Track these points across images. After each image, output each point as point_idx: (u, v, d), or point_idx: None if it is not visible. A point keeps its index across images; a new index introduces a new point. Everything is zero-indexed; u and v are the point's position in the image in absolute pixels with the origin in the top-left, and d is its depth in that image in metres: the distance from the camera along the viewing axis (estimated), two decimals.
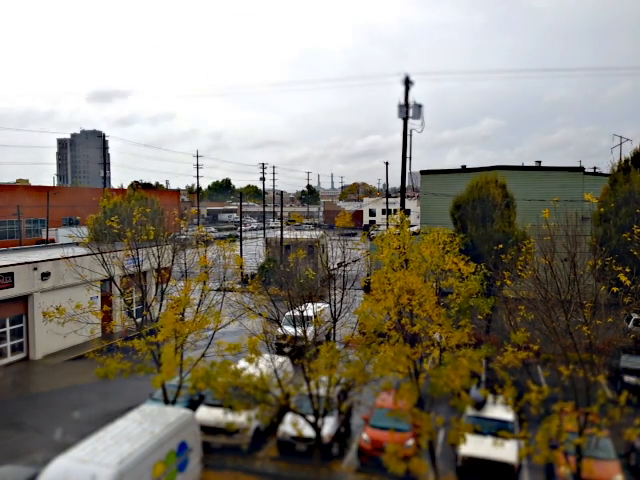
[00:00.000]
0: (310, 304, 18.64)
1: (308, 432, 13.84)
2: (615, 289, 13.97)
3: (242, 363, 13.09)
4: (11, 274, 24.59)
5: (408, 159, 26.95)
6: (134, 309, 22.48)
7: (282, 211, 55.89)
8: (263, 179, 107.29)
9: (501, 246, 21.44)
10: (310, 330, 16.35)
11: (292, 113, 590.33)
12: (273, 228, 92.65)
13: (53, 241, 57.17)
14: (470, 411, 15.72)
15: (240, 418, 13.49)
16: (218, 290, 18.55)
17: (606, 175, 37.62)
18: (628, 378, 20.66)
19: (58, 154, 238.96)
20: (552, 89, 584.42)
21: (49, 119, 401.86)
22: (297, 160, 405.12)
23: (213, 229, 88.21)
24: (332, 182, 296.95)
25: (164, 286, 18.00)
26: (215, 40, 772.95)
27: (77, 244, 25.50)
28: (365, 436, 15.74)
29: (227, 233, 78.31)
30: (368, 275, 21.24)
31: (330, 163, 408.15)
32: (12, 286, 24.63)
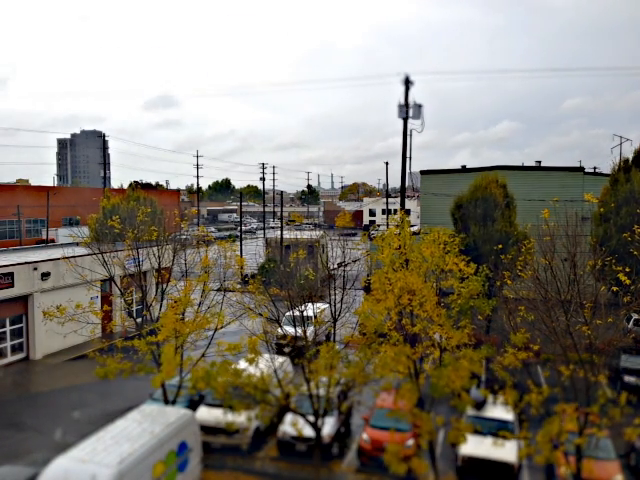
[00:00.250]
0: (310, 304, 18.65)
1: (308, 432, 13.84)
2: (615, 289, 13.98)
3: (242, 363, 13.09)
4: (11, 274, 24.59)
5: (408, 159, 26.95)
6: (134, 309, 22.49)
7: (282, 211, 55.90)
8: (263, 179, 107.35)
9: (501, 246, 21.45)
10: (310, 330, 16.36)
11: (313, 113, 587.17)
12: (273, 228, 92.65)
13: (53, 241, 57.18)
14: (470, 411, 15.72)
15: (240, 418, 13.48)
16: (218, 290, 18.55)
17: (606, 175, 37.61)
18: (628, 378, 20.66)
19: (58, 154, 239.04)
20: (569, 89, 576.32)
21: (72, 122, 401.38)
22: (312, 161, 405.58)
23: (213, 229, 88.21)
24: (332, 182, 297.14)
25: (164, 286, 18.00)
26: (223, 42, 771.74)
27: (77, 244, 25.50)
28: (365, 436, 15.74)
29: (227, 233, 78.33)
30: (368, 275, 21.24)
31: (345, 164, 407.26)
32: (12, 286, 24.63)
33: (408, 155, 26.77)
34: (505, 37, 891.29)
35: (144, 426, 12.68)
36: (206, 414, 16.62)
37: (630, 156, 32.03)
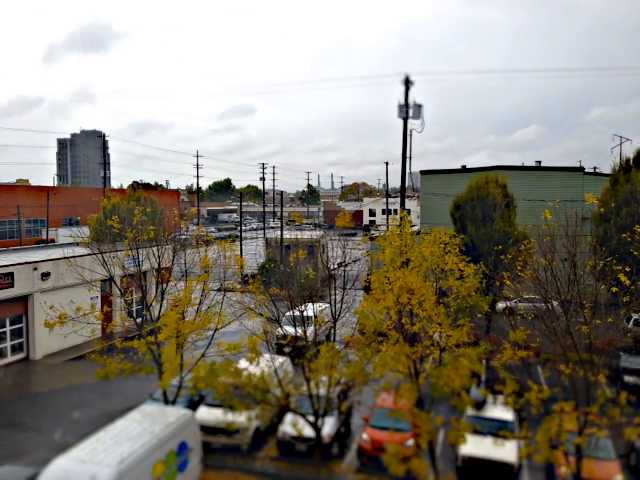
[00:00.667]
0: (310, 304, 18.64)
1: (308, 432, 13.84)
2: (615, 289, 13.97)
3: (242, 363, 13.10)
4: (11, 274, 24.59)
5: (408, 159, 26.93)
6: (134, 309, 22.48)
7: (282, 211, 55.90)
8: (263, 179, 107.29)
9: (501, 247, 21.44)
10: (310, 330, 16.35)
11: (341, 112, 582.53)
12: (273, 228, 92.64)
13: (53, 241, 57.19)
14: (470, 411, 15.72)
15: (240, 418, 13.49)
16: (218, 290, 18.55)
17: (606, 175, 37.60)
18: (628, 378, 20.66)
19: (58, 154, 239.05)
20: (593, 91, 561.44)
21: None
22: (336, 162, 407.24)
23: (213, 229, 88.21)
24: (332, 182, 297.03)
25: (164, 286, 17.99)
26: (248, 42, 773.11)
27: (77, 244, 25.50)
28: (365, 436, 15.74)
29: (227, 233, 78.35)
30: (368, 275, 21.23)
31: (366, 164, 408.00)
32: (12, 286, 24.63)
33: (408, 155, 26.75)
34: (530, 37, 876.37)
35: (144, 426, 12.68)
36: (206, 414, 16.61)
37: (631, 156, 32.04)
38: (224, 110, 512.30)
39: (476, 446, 14.46)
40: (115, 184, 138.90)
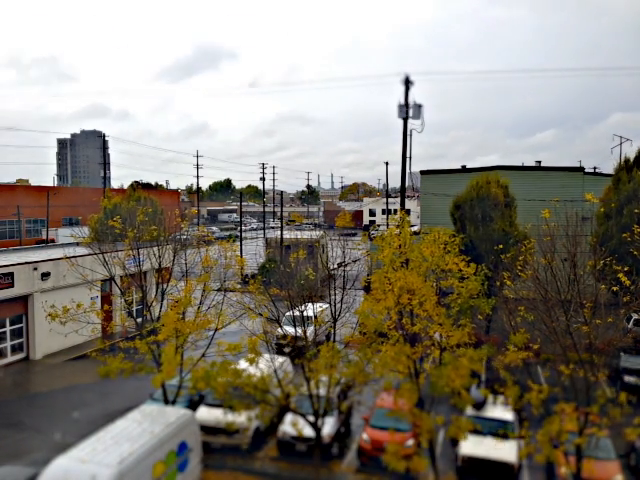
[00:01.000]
0: (310, 304, 18.64)
1: (308, 432, 13.84)
2: (615, 289, 13.96)
3: (242, 363, 13.10)
4: (11, 274, 24.58)
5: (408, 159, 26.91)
6: (134, 309, 22.49)
7: (282, 211, 55.89)
8: (263, 179, 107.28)
9: (501, 246, 21.43)
10: (310, 330, 16.35)
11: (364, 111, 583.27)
12: (273, 228, 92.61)
13: (53, 241, 57.19)
14: (470, 411, 15.71)
15: (240, 418, 13.48)
16: (218, 290, 18.55)
17: (606, 175, 37.58)
18: (628, 378, 20.66)
19: (58, 154, 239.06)
20: (615, 92, 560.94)
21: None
22: (354, 162, 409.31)
23: (214, 229, 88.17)
24: (332, 182, 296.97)
25: (165, 286, 17.99)
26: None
27: (77, 244, 25.50)
28: (365, 436, 15.74)
29: (227, 233, 78.30)
30: (368, 275, 21.23)
31: (379, 164, 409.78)
32: (12, 286, 24.63)
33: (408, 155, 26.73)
34: (557, 37, 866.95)
35: (144, 426, 12.68)
36: (206, 414, 16.62)
37: (633, 155, 32.02)
38: (273, 115, 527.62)
39: (476, 446, 14.46)
40: (117, 185, 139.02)
